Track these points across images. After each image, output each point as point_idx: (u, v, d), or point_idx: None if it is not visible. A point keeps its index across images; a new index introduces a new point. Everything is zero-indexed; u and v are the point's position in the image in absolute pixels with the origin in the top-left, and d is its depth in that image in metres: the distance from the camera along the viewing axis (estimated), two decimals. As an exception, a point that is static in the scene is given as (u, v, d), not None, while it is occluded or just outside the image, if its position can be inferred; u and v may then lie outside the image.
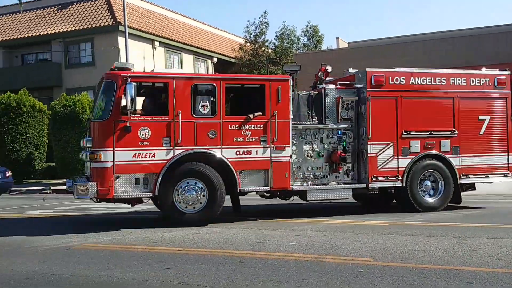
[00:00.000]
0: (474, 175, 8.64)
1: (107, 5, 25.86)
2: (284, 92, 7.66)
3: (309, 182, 8.09)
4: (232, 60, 29.86)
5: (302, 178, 8.10)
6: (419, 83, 8.42)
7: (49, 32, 25.92)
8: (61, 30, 25.68)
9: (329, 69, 8.64)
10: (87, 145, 7.26)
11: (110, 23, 24.72)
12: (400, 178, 8.23)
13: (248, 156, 7.48)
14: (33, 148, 19.12)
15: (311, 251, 5.66)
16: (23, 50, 26.89)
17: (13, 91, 20.17)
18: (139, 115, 7.25)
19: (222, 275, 4.68)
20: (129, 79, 7.05)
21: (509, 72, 9.00)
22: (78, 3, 27.22)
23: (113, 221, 8.65)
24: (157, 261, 5.33)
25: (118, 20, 24.20)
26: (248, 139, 7.50)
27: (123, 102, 7.02)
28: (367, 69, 8.31)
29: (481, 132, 8.64)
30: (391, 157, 8.26)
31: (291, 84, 7.82)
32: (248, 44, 29.16)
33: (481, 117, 8.65)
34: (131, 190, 7.13)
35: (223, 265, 5.09)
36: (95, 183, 6.96)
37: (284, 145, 7.65)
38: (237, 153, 7.46)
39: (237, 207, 7.87)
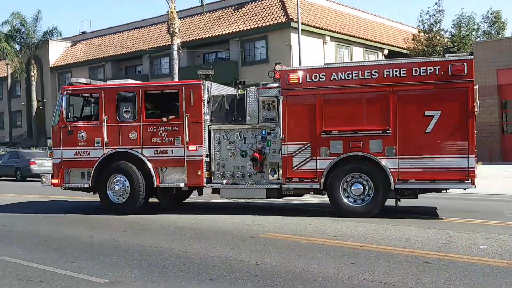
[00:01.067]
0: (416, 180, 7.46)
1: (280, 3, 27.30)
2: (196, 96, 8.47)
3: (225, 181, 8.54)
4: (405, 51, 29.21)
5: (222, 176, 8.59)
6: (343, 78, 7.75)
7: (227, 32, 28.51)
8: (238, 30, 28.02)
9: (278, 68, 8.23)
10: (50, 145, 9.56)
11: (283, 20, 26.07)
12: (317, 180, 7.86)
13: (164, 155, 8.60)
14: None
15: (506, 256, 5.36)
16: (204, 50, 29.95)
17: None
18: (81, 121, 9.24)
19: (409, 275, 4.68)
20: (65, 93, 9.17)
21: (472, 57, 7.36)
22: (253, 2, 28.92)
23: (289, 210, 9.23)
24: (340, 255, 5.55)
25: (291, 17, 25.41)
26: (164, 140, 8.62)
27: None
28: (281, 68, 8.14)
29: (428, 130, 7.37)
30: (308, 158, 7.97)
31: (204, 88, 8.54)
32: (422, 34, 28.85)
33: (427, 113, 7.37)
34: (77, 181, 9.15)
35: (409, 264, 5.09)
36: (50, 175, 9.38)
37: (197, 145, 8.48)
38: (155, 152, 8.66)
39: (164, 203, 9.19)
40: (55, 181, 9.40)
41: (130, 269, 5.39)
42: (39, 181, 11.01)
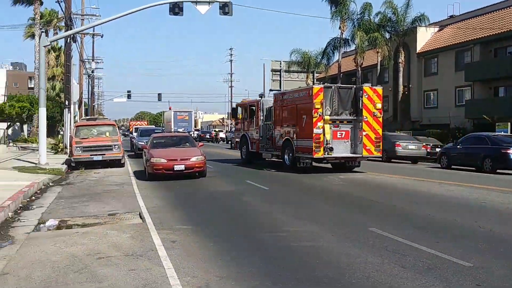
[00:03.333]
0: (302, 152, 18.07)
1: None
2: (258, 107, 21.48)
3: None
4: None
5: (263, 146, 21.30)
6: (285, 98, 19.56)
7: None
8: None
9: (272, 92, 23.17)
10: None
11: None
12: (278, 150, 20.25)
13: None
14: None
15: None
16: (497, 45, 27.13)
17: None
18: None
19: None
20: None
21: (320, 86, 17.56)
22: None
23: None
24: None
25: None
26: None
27: None
28: (273, 91, 22.97)
29: (303, 125, 18.11)
30: (278, 138, 20.00)
31: (260, 102, 21.19)
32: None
33: (303, 116, 18.04)
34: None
35: None
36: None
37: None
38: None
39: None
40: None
41: (494, 256, 5.86)
42: (404, 162, 12.47)
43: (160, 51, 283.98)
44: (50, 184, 14.94)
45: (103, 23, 21.79)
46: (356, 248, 6.71)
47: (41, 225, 8.75)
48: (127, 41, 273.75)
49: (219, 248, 6.87)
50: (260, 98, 22.06)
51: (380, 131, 17.39)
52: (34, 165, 18.68)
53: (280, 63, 62.81)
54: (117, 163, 20.77)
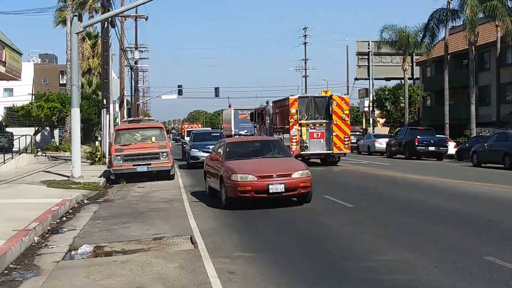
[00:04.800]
0: None
1: None
2: (267, 113, 33.14)
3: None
4: None
5: None
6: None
7: None
8: None
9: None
10: None
11: None
12: None
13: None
14: None
15: None
16: None
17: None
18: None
19: None
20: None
21: (296, 96, 27.47)
22: None
23: None
24: None
25: None
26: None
27: None
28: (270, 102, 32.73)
29: (287, 127, 27.90)
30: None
31: (268, 108, 32.48)
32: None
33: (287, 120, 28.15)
34: None
35: None
36: None
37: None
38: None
39: None
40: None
41: None
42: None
43: (218, 36, 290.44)
44: (85, 201, 15.60)
45: (148, 1, 21.63)
46: (466, 283, 6.50)
47: (73, 252, 9.15)
48: (177, 24, 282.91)
49: (289, 282, 6.84)
50: (266, 105, 33.29)
51: (348, 131, 27.04)
52: (66, 178, 19.65)
53: (368, 44, 62.20)
54: (165, 175, 21.38)
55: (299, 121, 26.61)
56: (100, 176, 21.19)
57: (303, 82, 75.79)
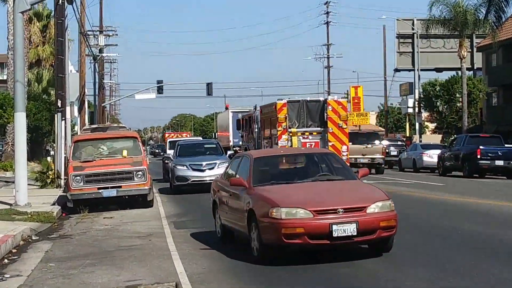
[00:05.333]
0: None
1: None
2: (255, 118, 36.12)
3: None
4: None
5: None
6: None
7: None
8: None
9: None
10: None
11: None
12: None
13: None
14: None
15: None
16: None
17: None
18: None
19: None
20: None
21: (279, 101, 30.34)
22: None
23: None
24: None
25: None
26: None
27: None
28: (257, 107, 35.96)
29: (274, 133, 30.95)
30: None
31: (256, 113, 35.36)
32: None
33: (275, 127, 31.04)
34: None
35: None
36: None
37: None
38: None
39: None
40: None
41: None
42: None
43: (210, 16, 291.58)
44: (34, 237, 15.49)
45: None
46: None
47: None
48: (156, 2, 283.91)
49: None
50: (254, 110, 35.65)
51: (346, 141, 29.50)
52: (7, 207, 19.51)
53: (413, 24, 62.43)
54: (141, 201, 21.47)
55: (289, 129, 29.10)
56: (54, 204, 21.15)
57: (325, 75, 75.92)
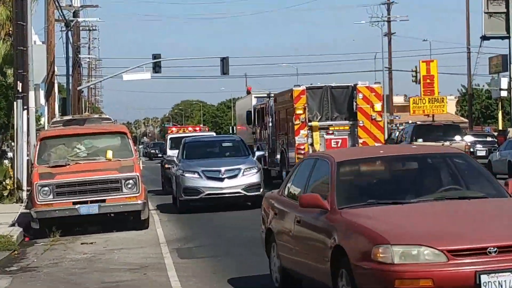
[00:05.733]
0: None
1: None
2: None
3: None
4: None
5: None
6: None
7: None
8: None
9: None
10: None
11: None
12: None
13: None
14: None
15: None
16: None
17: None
18: None
19: None
20: None
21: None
22: None
23: None
24: None
25: None
26: None
27: None
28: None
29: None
30: None
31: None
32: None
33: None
34: None
35: None
36: None
37: None
38: None
39: None
40: None
41: None
42: None
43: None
44: (-14, 270, 15.62)
45: None
46: None
47: None
48: None
49: None
50: (268, 99, 38.54)
51: (381, 137, 30.90)
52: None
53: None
54: (132, 221, 21.64)
55: (309, 123, 30.89)
56: (13, 224, 21.34)
57: (385, 44, 75.60)
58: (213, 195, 25.92)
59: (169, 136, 42.96)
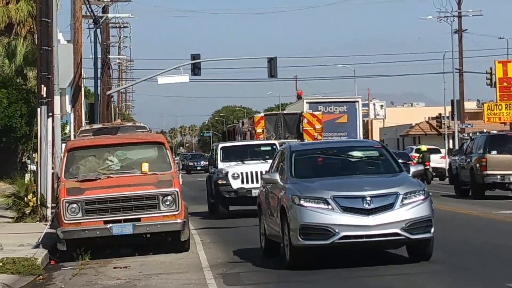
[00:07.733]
0: None
1: None
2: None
3: None
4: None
5: None
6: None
7: None
8: None
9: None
10: None
11: None
12: None
13: None
14: None
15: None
16: None
17: None
18: None
19: None
20: None
21: None
22: None
23: None
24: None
25: None
26: None
27: None
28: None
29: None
30: None
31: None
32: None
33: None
34: None
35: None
36: None
37: None
38: None
39: None
40: None
41: None
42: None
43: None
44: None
45: None
46: None
47: None
48: None
49: None
50: (237, 123, 55.82)
51: None
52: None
53: None
54: (171, 243, 21.70)
55: None
56: (37, 246, 21.43)
57: (455, 43, 75.10)
58: (353, 239, 17.65)
59: (220, 145, 40.82)
